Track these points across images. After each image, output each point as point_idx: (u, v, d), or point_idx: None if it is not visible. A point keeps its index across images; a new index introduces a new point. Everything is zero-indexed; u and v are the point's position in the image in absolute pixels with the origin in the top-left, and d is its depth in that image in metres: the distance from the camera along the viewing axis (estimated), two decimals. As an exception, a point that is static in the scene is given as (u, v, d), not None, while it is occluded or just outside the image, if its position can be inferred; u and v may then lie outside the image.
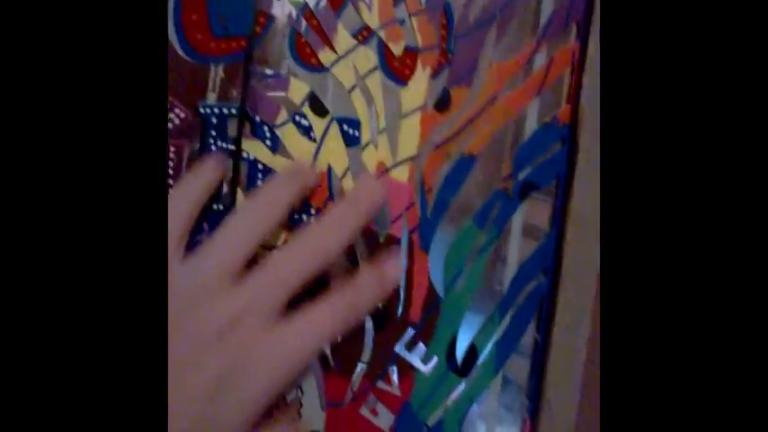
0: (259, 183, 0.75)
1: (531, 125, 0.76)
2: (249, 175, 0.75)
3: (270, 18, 0.73)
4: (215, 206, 0.74)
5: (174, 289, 0.64)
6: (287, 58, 0.74)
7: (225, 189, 0.74)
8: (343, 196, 0.74)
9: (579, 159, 0.74)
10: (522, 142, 0.76)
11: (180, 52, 0.73)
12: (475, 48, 0.75)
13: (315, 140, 0.75)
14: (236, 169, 0.74)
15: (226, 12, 0.73)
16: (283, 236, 0.75)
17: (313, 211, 0.76)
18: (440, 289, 0.77)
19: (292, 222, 0.75)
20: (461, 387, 0.78)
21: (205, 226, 0.74)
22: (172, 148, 0.74)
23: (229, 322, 0.64)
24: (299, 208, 0.75)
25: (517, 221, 0.76)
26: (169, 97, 0.73)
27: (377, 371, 0.79)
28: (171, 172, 0.74)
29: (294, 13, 0.74)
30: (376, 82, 0.75)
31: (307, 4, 0.73)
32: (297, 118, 0.75)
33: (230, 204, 0.75)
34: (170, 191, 0.72)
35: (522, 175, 0.76)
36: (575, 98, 0.73)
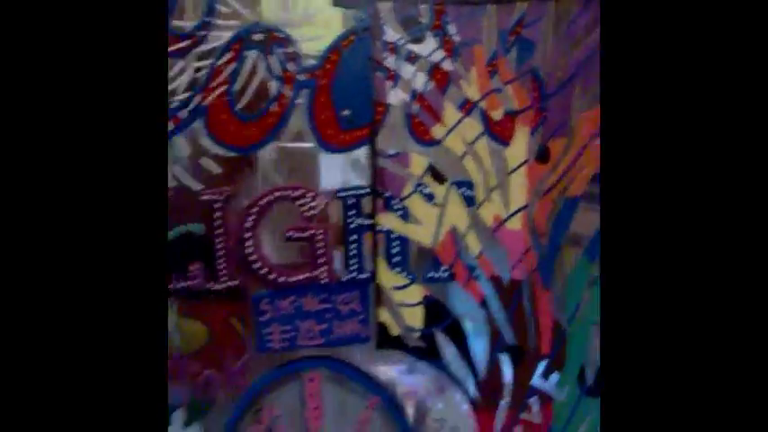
0: (395, 248, 0.83)
1: None
2: (386, 244, 0.83)
3: (387, 106, 0.83)
4: (359, 275, 0.82)
5: None
6: (406, 137, 0.83)
7: (368, 259, 0.83)
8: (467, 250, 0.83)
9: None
10: None
11: (318, 146, 0.82)
12: (564, 103, 0.85)
13: (437, 205, 0.84)
14: (374, 239, 0.82)
15: (350, 106, 0.82)
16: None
17: (444, 268, 0.85)
18: (563, 321, 0.86)
19: (427, 281, 0.83)
20: (595, 406, 0.87)
21: (354, 294, 0.83)
22: (320, 231, 0.82)
23: None
24: (429, 264, 0.84)
25: None
26: (310, 188, 0.82)
27: (519, 403, 0.88)
28: (320, 250, 0.82)
29: (408, 98, 0.83)
30: (483, 146, 0.85)
31: (416, 88, 0.83)
32: (420, 188, 0.84)
33: (373, 273, 0.83)
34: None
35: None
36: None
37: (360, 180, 0.84)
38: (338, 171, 0.84)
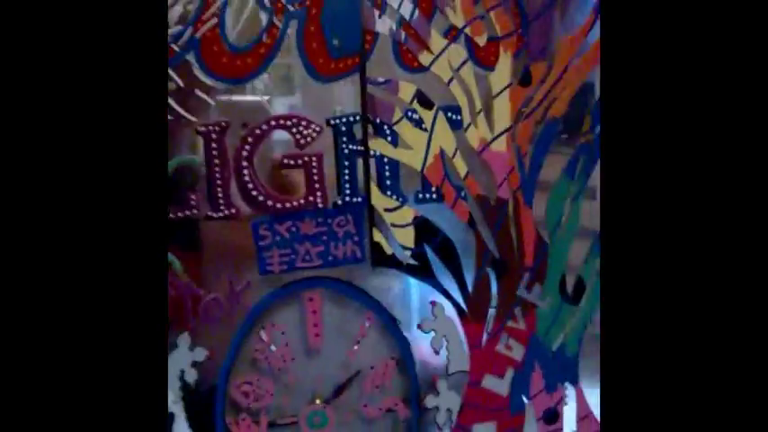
0: (386, 172, 0.87)
1: (598, 86, 0.91)
2: (378, 168, 0.88)
3: (375, 35, 0.85)
4: (353, 199, 0.86)
5: None
6: (393, 63, 0.86)
7: (361, 184, 0.87)
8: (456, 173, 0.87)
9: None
10: (594, 101, 0.91)
11: (307, 77, 0.84)
12: (545, 28, 0.89)
13: (426, 130, 0.88)
14: (366, 164, 0.86)
15: (339, 35, 0.84)
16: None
17: (433, 190, 0.89)
18: (545, 235, 0.92)
19: (417, 202, 0.88)
20: (575, 314, 0.94)
21: (349, 217, 0.87)
22: (314, 157, 0.85)
23: None
24: (419, 186, 0.88)
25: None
26: (301, 118, 0.85)
27: (505, 313, 0.94)
28: (315, 176, 0.86)
29: (394, 26, 0.86)
30: (468, 71, 0.88)
31: (403, 17, 0.85)
32: (409, 113, 0.87)
33: (366, 196, 0.87)
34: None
35: (599, 128, 0.91)
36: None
37: (352, 108, 0.87)
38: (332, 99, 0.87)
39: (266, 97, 0.87)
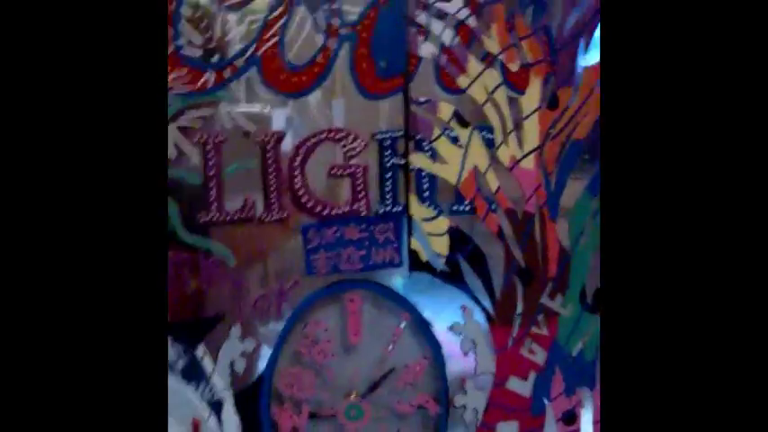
0: (425, 185, 0.96)
1: None
2: (417, 181, 0.96)
3: (419, 58, 0.94)
4: (394, 208, 0.95)
5: None
6: (434, 84, 0.95)
7: (401, 194, 0.95)
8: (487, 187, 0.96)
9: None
10: None
11: (356, 95, 0.93)
12: (572, 56, 0.98)
13: (462, 147, 0.97)
14: (406, 177, 0.95)
15: (386, 58, 0.93)
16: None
17: (467, 203, 0.97)
18: (569, 246, 1.00)
19: (451, 213, 0.96)
20: (595, 322, 1.01)
21: (389, 225, 0.95)
22: (360, 168, 0.94)
23: None
24: (454, 199, 0.96)
25: None
26: (349, 132, 0.93)
27: (529, 319, 1.02)
28: (360, 186, 0.94)
29: (436, 51, 0.95)
30: (501, 94, 0.97)
31: (444, 43, 0.94)
32: (446, 131, 0.96)
33: (405, 206, 0.95)
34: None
35: None
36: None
37: (396, 125, 0.95)
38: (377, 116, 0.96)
39: (267, 109, 0.94)
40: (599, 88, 0.99)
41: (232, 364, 0.95)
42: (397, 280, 1.01)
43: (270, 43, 0.91)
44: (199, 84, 0.89)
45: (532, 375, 1.04)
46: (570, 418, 1.06)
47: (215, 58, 0.90)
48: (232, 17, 0.90)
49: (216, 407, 0.95)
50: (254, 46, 0.91)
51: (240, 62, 0.91)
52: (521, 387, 1.03)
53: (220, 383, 0.94)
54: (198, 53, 0.90)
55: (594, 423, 1.06)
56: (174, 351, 0.94)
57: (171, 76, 0.89)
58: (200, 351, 0.94)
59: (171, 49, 0.88)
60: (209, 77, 0.90)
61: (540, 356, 1.03)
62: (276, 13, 0.91)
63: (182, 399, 0.94)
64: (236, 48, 0.90)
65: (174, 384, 0.94)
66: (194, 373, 0.95)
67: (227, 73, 0.91)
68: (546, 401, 1.05)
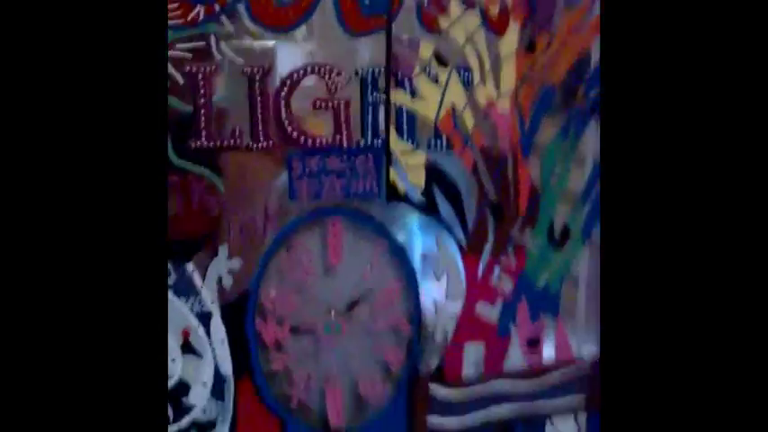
0: (404, 120, 1.02)
1: (594, 57, 1.05)
2: (397, 116, 1.03)
3: None
4: (374, 141, 1.01)
5: None
6: (415, 24, 1.01)
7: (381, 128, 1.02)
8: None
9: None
10: (590, 72, 1.05)
11: (340, 32, 0.99)
12: (550, 2, 1.03)
13: (440, 85, 1.03)
14: (387, 112, 1.01)
15: None
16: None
17: (444, 138, 1.04)
18: (539, 186, 1.07)
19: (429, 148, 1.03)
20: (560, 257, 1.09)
21: (369, 156, 1.01)
22: (342, 102, 1.00)
23: None
24: (432, 135, 1.03)
25: (591, 135, 1.07)
26: (332, 67, 0.99)
27: (499, 250, 1.09)
28: (342, 123, 1.01)
29: None
30: (481, 37, 1.02)
31: None
32: (427, 69, 1.02)
33: (386, 142, 1.02)
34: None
35: (592, 96, 1.05)
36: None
37: (378, 62, 1.01)
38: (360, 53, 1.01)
39: (272, 42, 0.99)
40: (576, 34, 1.05)
41: (220, 280, 1.02)
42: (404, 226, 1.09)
43: None
44: (189, 17, 0.94)
45: (500, 302, 1.12)
46: (534, 342, 1.14)
47: None
48: None
49: (204, 318, 1.02)
50: None
51: None
52: (488, 312, 1.12)
53: (208, 297, 1.02)
54: None
55: (557, 347, 1.16)
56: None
57: None
58: (190, 267, 1.01)
59: None
60: (200, 11, 0.94)
61: (507, 285, 1.12)
62: None
63: (174, 310, 1.00)
64: None
65: (168, 298, 1.00)
66: (184, 288, 1.01)
67: (216, 7, 0.96)
68: (512, 326, 1.13)
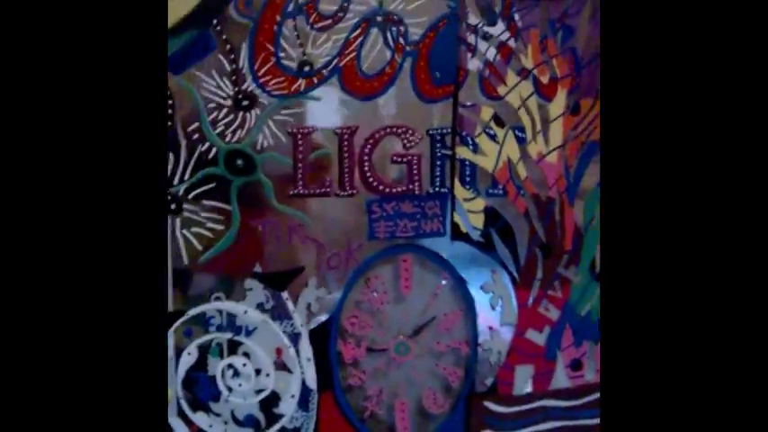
0: (467, 172, 1.18)
1: None
2: (460, 168, 1.18)
3: (467, 71, 1.17)
4: (441, 189, 1.18)
5: None
6: (478, 92, 1.17)
7: (447, 179, 1.18)
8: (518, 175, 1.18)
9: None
10: None
11: (415, 99, 1.16)
12: (593, 72, 1.19)
13: (498, 142, 1.18)
14: (452, 164, 1.18)
15: (440, 70, 1.16)
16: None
17: (500, 187, 1.20)
18: (583, 227, 1.22)
19: (487, 195, 1.18)
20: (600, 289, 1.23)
21: (437, 202, 1.17)
22: (415, 156, 1.17)
23: None
24: (490, 184, 1.18)
25: None
26: (408, 128, 1.16)
27: (547, 283, 1.23)
28: (415, 174, 1.18)
29: (481, 66, 1.17)
30: (533, 102, 1.17)
31: (488, 59, 1.17)
32: (487, 130, 1.18)
33: (451, 190, 1.18)
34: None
35: None
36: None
37: (446, 123, 1.15)
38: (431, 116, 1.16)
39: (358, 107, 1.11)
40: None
41: (309, 306, 1.14)
42: (465, 262, 1.18)
43: (349, 57, 1.10)
44: (293, 88, 1.09)
45: (547, 329, 1.22)
46: (577, 365, 1.25)
47: (306, 69, 1.08)
48: (321, 36, 1.10)
49: (294, 339, 1.14)
50: (337, 59, 1.11)
51: (325, 72, 1.12)
52: (537, 337, 1.22)
53: (299, 321, 1.14)
54: (293, 64, 1.08)
55: (597, 370, 1.28)
56: (265, 294, 1.13)
57: (272, 82, 1.11)
58: (285, 295, 1.13)
59: (273, 60, 1.12)
60: (301, 83, 1.10)
61: (553, 314, 1.23)
62: (355, 34, 1.09)
63: (270, 331, 1.13)
64: (322, 61, 1.10)
65: (265, 320, 1.14)
66: (279, 312, 1.13)
67: (315, 80, 1.10)
68: (557, 350, 1.24)
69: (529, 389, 1.23)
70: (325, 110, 1.10)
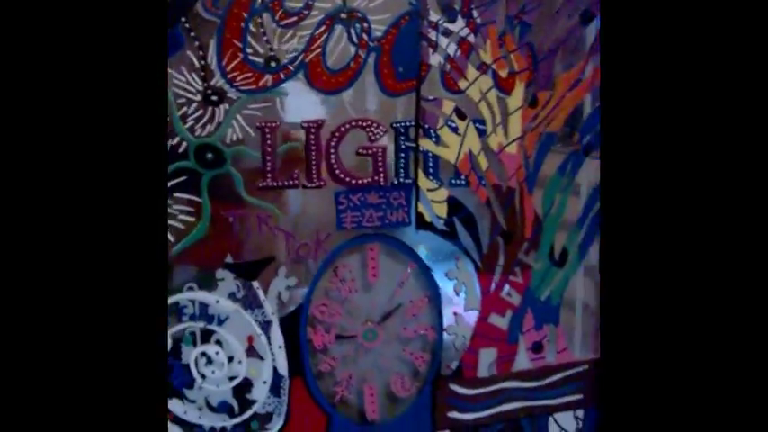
0: (430, 163, 1.23)
1: (587, 110, 1.27)
2: (424, 159, 1.23)
3: (429, 66, 1.21)
4: (405, 180, 1.22)
5: None
6: (440, 86, 1.22)
7: (411, 170, 1.23)
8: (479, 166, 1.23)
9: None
10: (583, 121, 1.26)
11: (379, 93, 1.20)
12: (550, 67, 1.24)
13: (460, 134, 1.23)
14: (416, 156, 1.22)
15: (403, 65, 1.20)
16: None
17: (462, 177, 1.25)
18: (541, 215, 1.28)
19: (450, 186, 1.22)
20: (559, 275, 1.29)
21: (402, 193, 1.22)
22: (380, 149, 1.21)
23: None
24: (453, 174, 1.23)
25: (584, 173, 1.27)
26: (373, 121, 1.20)
27: (508, 269, 1.28)
28: (380, 166, 1.22)
29: (442, 61, 1.22)
30: (492, 95, 1.22)
31: (449, 54, 1.21)
32: (448, 122, 1.22)
33: (415, 181, 1.23)
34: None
35: (585, 141, 1.26)
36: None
37: (409, 116, 1.20)
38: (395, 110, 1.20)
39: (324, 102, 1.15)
40: (571, 92, 1.26)
41: (279, 295, 1.17)
42: (421, 250, 1.23)
43: (314, 53, 1.13)
44: (260, 83, 1.11)
45: (509, 313, 1.27)
46: (538, 347, 1.31)
47: (272, 64, 1.11)
48: (287, 32, 1.13)
49: (266, 327, 1.17)
50: (303, 55, 1.14)
51: (292, 67, 1.16)
52: (499, 322, 1.27)
53: (269, 309, 1.17)
54: (260, 60, 1.10)
55: (557, 352, 1.34)
56: (236, 284, 1.16)
57: (239, 78, 1.15)
58: (256, 284, 1.16)
59: (240, 56, 1.15)
60: (268, 79, 1.12)
61: (515, 299, 1.28)
62: (320, 30, 1.12)
63: (241, 320, 1.16)
64: (288, 56, 1.13)
65: (236, 309, 1.16)
66: (251, 301, 1.16)
67: (281, 75, 1.13)
68: (519, 334, 1.29)
69: (492, 371, 1.29)
70: (292, 104, 1.13)
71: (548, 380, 1.30)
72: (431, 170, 1.21)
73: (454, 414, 1.26)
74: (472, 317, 1.26)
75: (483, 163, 1.22)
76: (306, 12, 1.11)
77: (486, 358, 1.27)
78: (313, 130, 1.15)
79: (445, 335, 1.26)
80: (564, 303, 1.29)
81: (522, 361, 1.29)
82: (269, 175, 1.14)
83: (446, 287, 1.25)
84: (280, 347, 1.19)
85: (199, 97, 1.10)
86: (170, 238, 1.12)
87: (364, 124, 1.17)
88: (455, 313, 1.25)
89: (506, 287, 1.27)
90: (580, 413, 1.33)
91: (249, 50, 1.10)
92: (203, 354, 1.17)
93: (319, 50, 1.12)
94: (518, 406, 1.30)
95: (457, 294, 1.25)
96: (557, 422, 1.33)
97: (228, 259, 1.15)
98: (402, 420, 1.26)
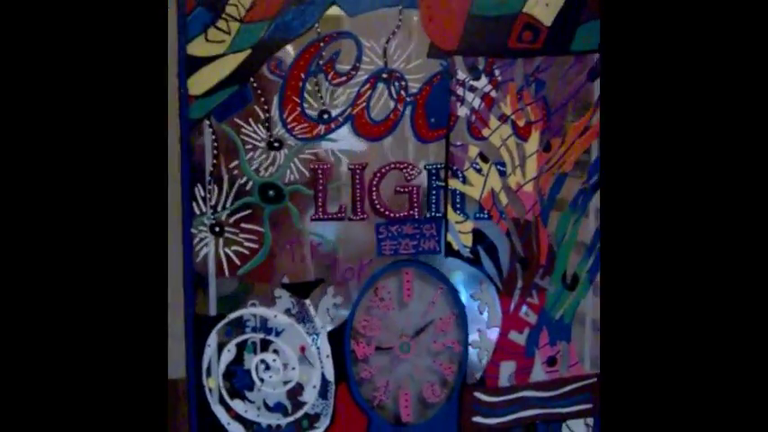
0: (457, 199, 1.42)
1: (594, 153, 1.43)
2: (452, 196, 1.39)
3: (456, 117, 1.39)
4: (436, 214, 1.41)
5: None
6: (466, 134, 1.38)
7: (442, 205, 1.41)
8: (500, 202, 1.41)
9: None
10: (591, 162, 1.44)
11: (414, 140, 1.39)
12: (562, 117, 1.42)
13: (483, 175, 1.38)
14: (446, 194, 1.40)
15: (435, 116, 1.38)
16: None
17: (486, 212, 1.43)
18: (555, 244, 1.45)
19: (475, 219, 1.38)
20: (571, 297, 1.45)
21: (433, 225, 1.39)
22: (415, 187, 1.39)
23: None
24: (477, 209, 1.41)
25: (592, 207, 1.43)
26: (409, 163, 1.39)
27: (525, 292, 1.43)
28: (414, 201, 1.41)
29: (468, 112, 1.41)
30: (512, 142, 1.38)
31: (474, 107, 1.41)
32: (474, 165, 1.37)
33: (444, 214, 1.42)
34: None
35: (592, 180, 1.44)
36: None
37: (439, 159, 1.35)
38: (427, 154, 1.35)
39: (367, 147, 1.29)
40: (581, 139, 1.44)
41: (327, 311, 1.29)
42: (457, 274, 1.33)
43: (360, 107, 1.26)
44: (314, 132, 1.25)
45: (527, 330, 1.36)
46: (552, 361, 1.39)
47: (325, 116, 1.25)
48: (337, 90, 1.30)
49: (316, 338, 1.28)
50: (350, 108, 1.27)
51: (341, 119, 1.31)
52: (518, 338, 1.36)
53: (319, 323, 1.29)
54: (315, 112, 1.25)
55: (569, 366, 1.43)
56: (291, 302, 1.28)
57: (297, 127, 1.27)
58: (308, 302, 1.28)
59: (298, 110, 1.29)
60: (321, 129, 1.25)
61: (532, 318, 1.37)
62: (365, 88, 1.28)
63: (295, 332, 1.28)
64: (338, 109, 1.27)
65: (291, 323, 1.28)
66: (303, 316, 1.29)
67: (332, 125, 1.26)
68: (535, 349, 1.37)
69: (512, 382, 1.37)
70: (341, 150, 1.26)
71: (560, 390, 1.38)
72: (458, 205, 1.32)
73: (478, 419, 1.35)
74: (494, 333, 1.35)
75: (503, 199, 1.32)
76: (353, 72, 1.24)
77: (507, 370, 1.36)
78: (358, 171, 1.27)
79: (470, 348, 1.35)
80: (575, 322, 1.38)
81: (538, 373, 1.37)
82: (320, 209, 1.27)
83: (471, 307, 1.34)
84: (327, 356, 1.30)
85: (263, 144, 1.26)
86: (237, 261, 1.29)
87: (401, 166, 1.28)
88: (479, 330, 1.35)
89: (524, 307, 1.35)
90: (590, 420, 1.41)
91: (306, 105, 1.23)
92: (262, 361, 1.30)
93: (364, 104, 1.25)
94: (534, 413, 1.37)
95: (481, 313, 1.34)
96: (569, 428, 1.40)
97: (285, 280, 1.27)
98: (432, 423, 1.35)
